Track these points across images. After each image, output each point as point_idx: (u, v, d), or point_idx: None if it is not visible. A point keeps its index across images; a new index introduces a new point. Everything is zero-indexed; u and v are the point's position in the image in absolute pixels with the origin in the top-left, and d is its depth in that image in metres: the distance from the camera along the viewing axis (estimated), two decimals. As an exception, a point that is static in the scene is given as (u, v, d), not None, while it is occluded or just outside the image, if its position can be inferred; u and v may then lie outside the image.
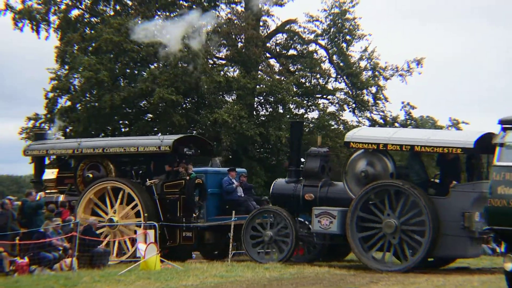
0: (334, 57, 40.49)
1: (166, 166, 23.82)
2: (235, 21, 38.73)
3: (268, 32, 40.54)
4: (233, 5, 40.08)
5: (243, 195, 24.77)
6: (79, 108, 37.41)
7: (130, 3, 39.91)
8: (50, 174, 25.68)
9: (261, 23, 40.13)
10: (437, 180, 21.39)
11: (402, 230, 19.94)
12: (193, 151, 24.10)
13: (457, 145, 19.72)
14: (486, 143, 19.22)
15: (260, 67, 39.10)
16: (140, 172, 23.80)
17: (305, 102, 39.68)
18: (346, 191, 20.79)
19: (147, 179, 23.29)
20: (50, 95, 37.91)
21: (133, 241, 22.06)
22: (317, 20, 40.16)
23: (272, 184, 23.06)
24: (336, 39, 40.12)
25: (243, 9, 39.52)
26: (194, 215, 23.60)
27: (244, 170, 26.10)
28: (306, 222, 22.63)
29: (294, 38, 40.59)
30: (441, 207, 19.81)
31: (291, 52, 41.00)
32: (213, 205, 24.55)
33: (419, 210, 19.76)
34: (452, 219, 19.68)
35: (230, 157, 36.44)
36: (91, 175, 23.65)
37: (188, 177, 23.31)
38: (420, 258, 19.74)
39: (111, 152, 23.64)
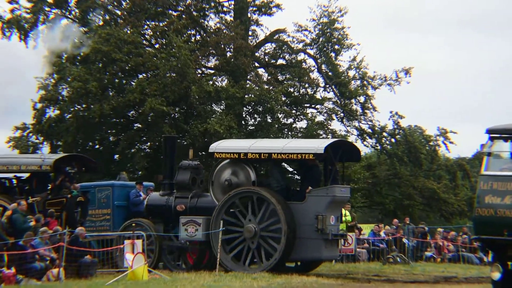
0: (323, 66, 40.54)
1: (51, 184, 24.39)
2: (224, 31, 38.76)
3: (257, 41, 40.61)
4: (222, 15, 40.14)
5: None
6: (68, 118, 37.36)
7: (119, 12, 39.91)
8: None
9: (250, 33, 40.19)
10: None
11: (261, 236, 21.23)
12: (76, 170, 24.77)
13: (309, 151, 21.32)
14: (339, 150, 21.83)
15: (248, 77, 39.12)
16: (26, 188, 24.35)
17: (293, 111, 39.68)
18: (213, 200, 22.04)
19: (29, 197, 23.63)
20: (39, 105, 37.86)
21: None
22: (305, 30, 40.27)
23: (147, 197, 24.05)
24: (324, 49, 40.18)
25: (232, 19, 39.57)
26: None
27: (151, 184, 26.52)
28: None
29: (283, 48, 40.62)
30: (297, 212, 21.17)
31: (280, 61, 41.06)
32: (120, 217, 24.93)
33: (278, 217, 21.01)
34: (308, 223, 21.03)
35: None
36: None
37: (70, 195, 23.83)
38: (276, 261, 20.91)
39: None
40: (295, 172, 23.59)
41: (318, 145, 21.52)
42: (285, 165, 29.03)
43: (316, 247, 21.11)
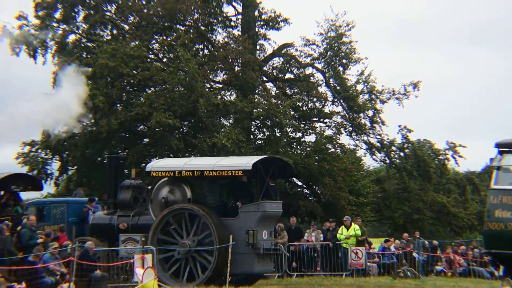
0: (331, 80, 40.50)
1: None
2: (231, 45, 38.80)
3: (265, 56, 40.62)
4: (230, 29, 40.19)
5: None
6: (76, 133, 37.40)
7: (127, 27, 40.02)
8: None
9: (257, 47, 40.21)
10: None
11: (194, 251, 22.11)
12: (22, 188, 25.01)
13: (238, 168, 22.25)
14: (271, 166, 22.78)
15: (257, 91, 39.11)
16: None
17: (302, 125, 39.61)
18: (153, 218, 22.80)
19: None
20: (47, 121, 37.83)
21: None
22: (313, 44, 40.23)
23: (92, 216, 24.79)
24: (332, 63, 40.15)
25: (239, 33, 39.61)
26: None
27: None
28: None
29: (291, 62, 40.61)
30: (230, 227, 22.12)
31: (288, 75, 41.02)
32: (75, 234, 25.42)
33: (210, 232, 21.90)
34: (240, 238, 21.91)
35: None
36: None
37: (16, 213, 24.07)
38: (208, 277, 21.75)
39: None
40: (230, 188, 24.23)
41: (247, 162, 22.42)
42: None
43: (248, 262, 22.01)
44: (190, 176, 22.87)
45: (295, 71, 40.82)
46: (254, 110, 37.46)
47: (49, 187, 40.00)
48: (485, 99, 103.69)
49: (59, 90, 28.15)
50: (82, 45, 40.06)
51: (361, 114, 40.53)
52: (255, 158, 22.92)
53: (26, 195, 30.43)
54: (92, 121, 36.92)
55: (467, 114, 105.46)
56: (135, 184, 24.31)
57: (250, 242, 21.74)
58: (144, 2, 39.87)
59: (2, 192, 24.60)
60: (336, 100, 40.43)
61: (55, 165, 39.47)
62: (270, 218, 22.85)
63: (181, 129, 37.92)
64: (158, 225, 22.55)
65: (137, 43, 37.65)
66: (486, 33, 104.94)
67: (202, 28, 39.41)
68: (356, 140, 41.12)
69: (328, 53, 39.99)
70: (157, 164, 23.79)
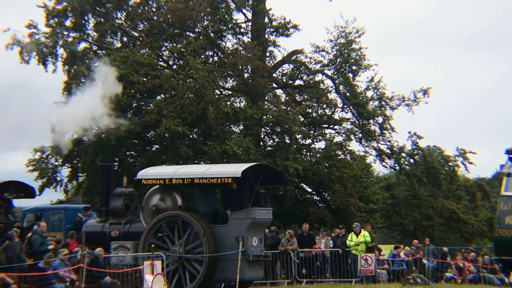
0: (341, 87, 40.48)
1: None
2: (241, 52, 38.84)
3: (275, 62, 40.62)
4: (240, 36, 40.21)
5: None
6: (86, 140, 37.47)
7: (137, 34, 40.11)
8: None
9: (267, 54, 40.24)
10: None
11: (185, 258, 22.32)
12: (14, 195, 25.17)
13: (227, 176, 22.51)
14: (262, 173, 22.96)
15: (266, 98, 39.10)
16: None
17: (311, 132, 39.61)
18: (144, 225, 23.03)
19: None
20: (57, 128, 37.90)
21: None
22: (323, 51, 40.22)
23: (84, 224, 24.92)
24: (342, 69, 40.13)
25: (249, 40, 39.65)
26: None
27: None
28: None
29: (301, 69, 40.62)
30: (221, 234, 22.40)
31: (298, 82, 41.01)
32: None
33: (200, 239, 22.14)
34: (230, 245, 22.24)
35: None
36: None
37: (8, 221, 24.22)
38: (198, 283, 22.00)
39: None
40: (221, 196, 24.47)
41: (237, 169, 22.64)
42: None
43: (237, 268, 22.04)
44: (181, 183, 23.16)
45: (304, 77, 40.84)
46: (264, 117, 37.46)
47: (59, 194, 40.07)
48: (496, 105, 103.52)
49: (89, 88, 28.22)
50: (92, 52, 40.13)
51: (371, 121, 40.52)
52: (244, 166, 23.20)
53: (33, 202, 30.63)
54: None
55: (477, 120, 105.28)
56: (127, 192, 24.55)
57: (240, 249, 22.01)
58: (154, 10, 39.98)
59: None
60: (345, 106, 40.41)
61: (65, 171, 39.62)
62: (260, 225, 23.13)
63: (191, 136, 37.93)
64: (148, 232, 22.79)
65: (147, 50, 37.73)
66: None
67: (212, 35, 39.45)
68: (366, 146, 41.14)
69: (338, 59, 39.98)
70: (147, 172, 24.03)
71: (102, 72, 28.34)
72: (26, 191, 25.91)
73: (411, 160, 41.29)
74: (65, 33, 39.67)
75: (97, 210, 25.39)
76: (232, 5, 39.49)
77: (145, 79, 36.59)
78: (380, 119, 40.42)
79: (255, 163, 24.77)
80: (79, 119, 27.10)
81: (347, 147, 40.30)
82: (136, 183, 24.83)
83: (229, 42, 40.15)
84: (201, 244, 22.15)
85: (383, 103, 40.42)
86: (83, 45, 40.27)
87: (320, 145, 39.89)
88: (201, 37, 38.63)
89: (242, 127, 37.99)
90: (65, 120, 27.46)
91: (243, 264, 22.08)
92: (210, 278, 22.38)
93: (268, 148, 38.68)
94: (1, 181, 25.18)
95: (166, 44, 39.68)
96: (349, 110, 40.46)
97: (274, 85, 40.73)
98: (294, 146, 38.25)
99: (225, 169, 23.48)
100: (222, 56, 39.58)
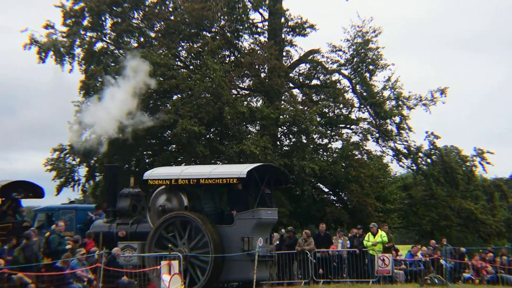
0: (357, 86, 40.39)
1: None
2: (258, 52, 38.81)
3: (291, 62, 40.60)
4: (256, 36, 40.19)
5: None
6: (103, 140, 37.50)
7: (153, 35, 40.15)
8: None
9: (284, 53, 40.20)
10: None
11: (191, 257, 22.43)
12: (23, 195, 25.30)
13: (233, 176, 22.65)
14: (267, 174, 23.14)
15: (283, 97, 39.08)
16: None
17: (328, 132, 39.54)
18: (150, 225, 23.18)
19: None
20: (75, 127, 38.03)
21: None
22: (340, 50, 40.18)
23: (92, 225, 25.15)
24: (359, 69, 40.06)
25: (266, 40, 39.61)
26: None
27: None
28: None
29: (317, 68, 40.57)
30: (226, 234, 22.54)
31: (314, 82, 40.98)
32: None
33: (206, 239, 22.29)
34: (235, 245, 22.36)
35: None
36: None
37: (16, 220, 24.34)
38: (203, 283, 22.09)
39: None
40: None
41: (242, 170, 22.78)
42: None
43: (244, 269, 22.32)
44: (186, 184, 23.28)
45: (321, 77, 40.79)
46: (280, 117, 37.44)
47: (77, 194, 40.17)
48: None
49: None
50: (109, 52, 40.22)
51: (388, 121, 40.38)
52: (249, 166, 23.34)
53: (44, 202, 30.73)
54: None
55: (495, 120, 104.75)
56: (134, 193, 24.72)
57: (245, 249, 22.19)
58: (170, 9, 40.01)
59: (3, 199, 24.84)
60: (362, 106, 40.31)
61: (82, 171, 39.70)
62: (265, 225, 23.23)
63: (207, 136, 37.92)
64: (154, 232, 22.92)
65: (164, 50, 37.75)
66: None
67: (229, 34, 39.46)
68: (383, 146, 41.01)
69: (355, 59, 39.91)
70: (154, 173, 24.25)
71: (134, 67, 28.42)
72: (35, 191, 26.06)
73: (428, 160, 41.11)
74: (82, 32, 39.78)
75: (104, 210, 25.51)
76: (249, 5, 39.49)
77: (161, 79, 36.60)
78: (397, 119, 40.29)
79: (260, 164, 24.95)
80: (114, 116, 27.13)
81: (364, 147, 40.24)
82: (143, 184, 24.91)
83: (246, 42, 40.22)
84: (206, 244, 22.27)
85: (400, 102, 40.29)
86: (99, 44, 40.38)
87: (337, 145, 39.90)
88: (217, 37, 38.63)
89: (259, 127, 37.96)
90: (98, 118, 27.52)
91: (248, 265, 22.20)
92: (216, 278, 22.45)
93: (284, 148, 38.63)
94: (10, 181, 25.37)
95: (182, 44, 39.69)
96: (366, 110, 40.36)
97: (291, 85, 40.69)
98: (311, 146, 38.19)
99: (231, 170, 23.66)
100: (238, 56, 39.58)
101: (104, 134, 28.01)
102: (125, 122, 29.04)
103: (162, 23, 39.41)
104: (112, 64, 38.71)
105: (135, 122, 29.87)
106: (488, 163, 41.61)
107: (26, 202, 26.92)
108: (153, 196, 23.64)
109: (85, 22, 39.80)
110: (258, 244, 22.59)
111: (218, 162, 36.95)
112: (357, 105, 40.44)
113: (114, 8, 39.96)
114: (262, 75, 38.67)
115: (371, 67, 39.95)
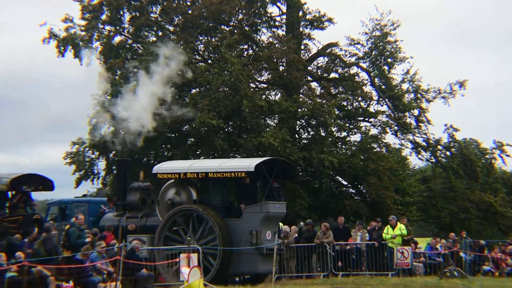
0: (376, 79, 40.31)
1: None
2: (276, 45, 38.79)
3: (310, 55, 40.54)
4: (274, 29, 40.17)
5: None
6: (122, 133, 37.59)
7: (172, 29, 40.19)
8: None
9: (302, 47, 40.15)
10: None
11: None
12: (33, 188, 25.43)
13: (241, 170, 22.86)
14: (275, 168, 23.16)
15: (301, 91, 39.05)
16: None
17: (347, 125, 39.49)
18: (159, 219, 23.29)
19: None
20: (94, 121, 38.17)
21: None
22: (358, 43, 40.11)
23: (102, 218, 25.35)
24: (377, 62, 39.97)
25: (284, 33, 39.58)
26: None
27: None
28: None
29: (336, 61, 40.51)
30: (234, 228, 22.61)
31: (333, 75, 40.92)
32: None
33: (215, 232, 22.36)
34: (244, 239, 22.45)
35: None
36: None
37: (26, 213, 24.49)
38: (212, 276, 22.08)
39: None
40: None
41: (250, 163, 22.95)
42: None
43: (252, 262, 22.47)
44: (195, 177, 23.45)
45: (339, 70, 40.72)
46: (299, 110, 37.42)
47: (95, 187, 40.29)
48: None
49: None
50: (128, 46, 40.30)
51: (407, 113, 40.29)
52: (258, 160, 23.50)
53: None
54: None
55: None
56: (143, 186, 24.87)
57: (253, 242, 22.28)
58: (188, 4, 40.05)
59: (14, 192, 25.02)
60: (381, 99, 40.25)
61: (102, 164, 39.84)
62: (273, 219, 23.32)
63: (226, 130, 37.95)
64: (163, 226, 23.06)
65: (182, 44, 37.77)
66: None
67: (247, 28, 39.46)
68: (402, 139, 40.95)
69: (373, 52, 39.83)
70: (163, 166, 24.42)
71: (167, 55, 28.45)
72: (44, 183, 26.18)
73: (448, 153, 41.01)
74: (101, 26, 39.90)
75: (114, 204, 25.68)
76: (267, -1, 39.46)
77: (179, 73, 36.61)
78: (416, 112, 40.18)
79: (268, 158, 25.09)
80: (147, 107, 27.18)
81: (383, 139, 40.19)
82: (153, 177, 24.99)
83: (264, 36, 40.22)
84: (215, 238, 22.38)
85: (418, 95, 40.16)
86: (118, 38, 40.49)
87: (356, 137, 39.88)
88: (235, 31, 38.63)
89: (277, 120, 37.96)
90: (130, 111, 27.57)
91: (256, 258, 22.33)
92: (225, 271, 22.54)
93: (303, 141, 38.62)
94: (19, 174, 25.50)
95: (201, 38, 39.71)
96: (385, 103, 40.30)
97: (309, 78, 40.65)
98: (330, 139, 38.17)
99: (239, 164, 23.91)
100: (257, 49, 39.57)
101: (140, 128, 27.96)
102: (164, 113, 29.11)
103: (180, 17, 39.45)
104: (132, 58, 38.74)
105: (170, 114, 30.00)
106: (507, 155, 41.50)
107: (40, 196, 27.11)
108: (162, 190, 23.84)
109: (104, 17, 39.92)
110: (266, 237, 22.69)
111: (237, 155, 36.99)
112: (375, 98, 40.44)
113: (133, 2, 40.05)
114: (281, 68, 38.67)
115: (389, 60, 39.84)
